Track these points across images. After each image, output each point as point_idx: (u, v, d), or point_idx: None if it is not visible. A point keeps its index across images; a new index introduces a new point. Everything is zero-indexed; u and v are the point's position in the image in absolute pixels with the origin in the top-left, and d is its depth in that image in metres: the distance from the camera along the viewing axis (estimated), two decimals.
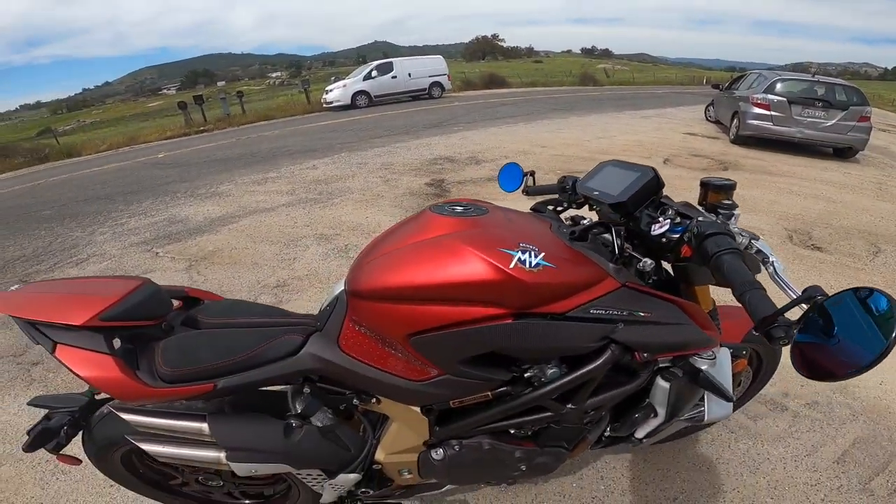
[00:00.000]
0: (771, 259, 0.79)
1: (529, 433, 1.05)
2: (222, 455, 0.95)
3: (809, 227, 3.66)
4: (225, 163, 7.34)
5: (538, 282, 0.79)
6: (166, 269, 3.39)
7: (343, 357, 0.90)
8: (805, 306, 0.63)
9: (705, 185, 0.97)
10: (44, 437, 0.97)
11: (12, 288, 0.95)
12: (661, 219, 0.87)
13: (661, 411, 1.03)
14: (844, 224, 3.76)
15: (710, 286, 0.96)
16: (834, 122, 6.15)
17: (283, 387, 1.01)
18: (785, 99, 6.33)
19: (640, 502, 1.45)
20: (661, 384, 1.00)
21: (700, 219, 0.82)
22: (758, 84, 6.88)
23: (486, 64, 58.69)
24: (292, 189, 4.98)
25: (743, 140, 6.78)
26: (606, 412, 1.09)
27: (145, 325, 0.93)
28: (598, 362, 0.87)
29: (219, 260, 3.41)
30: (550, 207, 1.18)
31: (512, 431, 1.03)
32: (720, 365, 1.04)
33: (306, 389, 0.95)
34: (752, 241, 0.82)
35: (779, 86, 6.53)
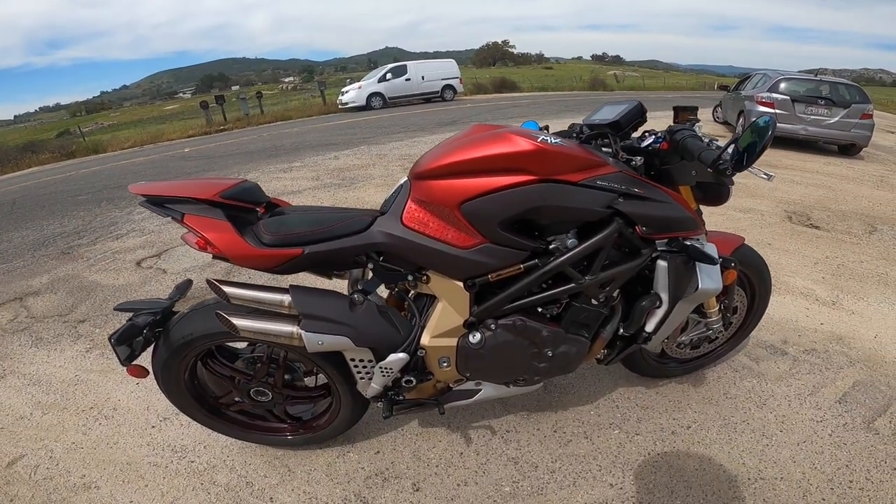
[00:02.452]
0: (727, 144, 1.05)
1: (556, 313, 1.26)
2: (296, 329, 1.12)
3: (808, 210, 3.84)
4: (250, 155, 7.67)
5: (557, 151, 1.05)
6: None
7: (405, 230, 1.11)
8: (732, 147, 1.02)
9: (675, 108, 1.26)
10: (130, 333, 1.15)
11: (140, 182, 1.19)
12: (647, 135, 1.21)
13: (664, 296, 1.24)
14: (843, 208, 3.93)
15: (690, 188, 1.22)
16: (837, 119, 6.30)
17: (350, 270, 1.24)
18: (788, 97, 6.49)
19: (655, 429, 1.58)
20: (661, 264, 1.22)
21: (672, 124, 1.15)
22: (762, 84, 7.07)
23: (495, 70, 59.18)
24: (316, 175, 5.26)
25: None
26: (619, 305, 1.29)
27: (250, 207, 1.17)
28: (607, 231, 1.12)
29: None
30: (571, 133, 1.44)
31: (540, 310, 1.24)
32: (708, 249, 1.25)
33: (370, 266, 1.16)
34: (711, 141, 1.11)
35: (782, 85, 6.70)
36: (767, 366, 1.89)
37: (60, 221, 5.03)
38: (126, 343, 1.15)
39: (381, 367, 1.19)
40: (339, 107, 15.09)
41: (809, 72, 8.26)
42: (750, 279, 1.60)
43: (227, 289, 1.14)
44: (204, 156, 8.58)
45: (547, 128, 1.49)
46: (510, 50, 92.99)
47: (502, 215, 1.07)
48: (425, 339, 1.21)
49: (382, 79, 15.06)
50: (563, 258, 1.13)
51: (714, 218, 3.49)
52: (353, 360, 1.20)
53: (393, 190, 1.24)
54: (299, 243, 1.09)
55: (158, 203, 1.13)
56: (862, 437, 1.54)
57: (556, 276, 1.16)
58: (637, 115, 1.22)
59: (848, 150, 6.61)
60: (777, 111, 6.49)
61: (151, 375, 1.28)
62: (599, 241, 1.12)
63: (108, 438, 1.69)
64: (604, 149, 1.19)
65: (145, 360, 1.25)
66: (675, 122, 1.23)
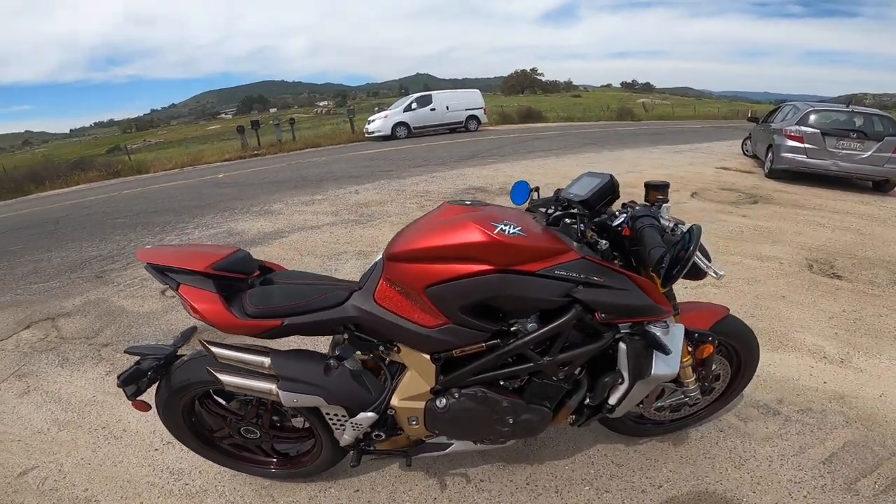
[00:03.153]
0: (689, 227, 1.08)
1: (517, 386, 1.31)
2: (274, 386, 1.25)
3: (832, 257, 3.70)
4: (277, 185, 8.02)
5: (513, 243, 1.11)
6: None
7: (377, 308, 1.21)
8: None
9: (647, 186, 1.31)
10: (135, 376, 1.30)
11: (147, 246, 1.37)
12: (618, 213, 1.24)
13: (626, 375, 1.28)
14: (869, 255, 3.76)
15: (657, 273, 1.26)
16: (870, 153, 6.01)
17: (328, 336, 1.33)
18: (818, 131, 6.25)
19: (626, 487, 1.59)
20: (621, 346, 1.26)
21: (637, 207, 1.19)
22: (792, 116, 6.82)
23: (524, 98, 59.93)
24: (336, 210, 5.46)
25: (778, 174, 6.70)
26: (584, 378, 1.34)
27: (240, 278, 1.30)
28: (565, 318, 1.16)
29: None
30: (542, 209, 1.44)
31: (502, 383, 1.30)
32: (672, 335, 1.27)
33: (345, 335, 1.27)
34: (677, 226, 1.15)
35: (812, 117, 6.45)
36: (756, 426, 1.85)
37: (97, 245, 5.37)
38: (132, 384, 1.30)
39: (352, 423, 1.30)
40: (366, 135, 15.55)
41: (844, 99, 7.95)
42: (735, 349, 1.60)
43: (214, 349, 1.28)
44: (236, 183, 9.03)
45: (537, 189, 1.55)
46: (539, 77, 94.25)
47: (463, 301, 1.15)
48: (395, 401, 1.31)
49: (408, 108, 15.45)
50: (521, 341, 1.18)
51: (728, 266, 3.42)
52: (327, 413, 1.32)
53: (370, 266, 1.34)
54: (279, 315, 1.22)
55: (160, 271, 1.29)
56: (839, 498, 1.51)
57: (518, 354, 1.23)
58: (608, 192, 1.25)
59: (882, 185, 6.28)
60: (806, 145, 6.27)
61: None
62: (558, 326, 1.17)
63: (114, 457, 1.84)
64: (574, 227, 1.24)
65: (149, 394, 1.40)
66: (645, 199, 1.30)
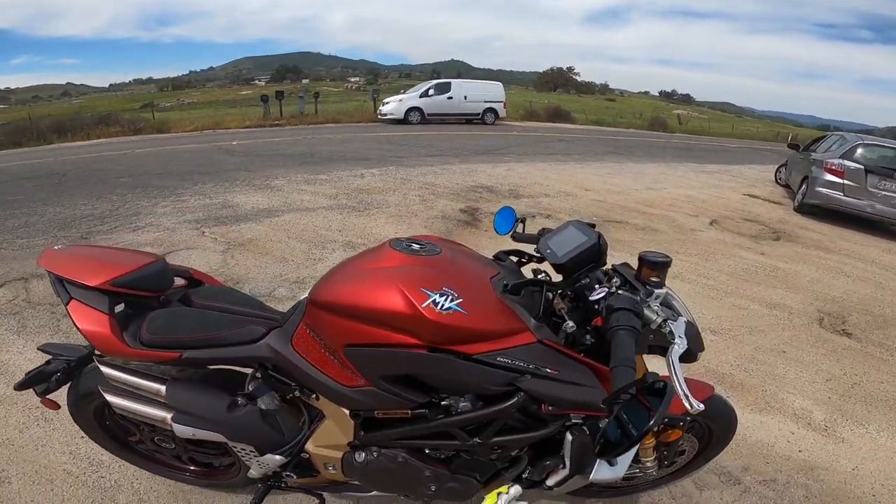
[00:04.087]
0: (676, 342, 0.83)
1: (443, 457, 1.13)
2: (168, 416, 1.10)
3: (846, 311, 3.39)
4: (286, 158, 7.89)
5: (444, 323, 0.89)
6: (207, 248, 3.72)
7: (293, 353, 1.04)
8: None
9: (641, 260, 1.03)
10: (37, 379, 1.16)
11: (56, 247, 1.20)
12: (597, 286, 0.96)
13: (568, 463, 1.08)
14: (886, 313, 3.45)
15: (642, 356, 1.00)
16: None
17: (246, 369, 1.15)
18: (862, 167, 5.77)
19: None
20: (567, 437, 1.05)
21: (617, 292, 0.90)
22: (837, 147, 6.32)
23: (556, 96, 58.74)
24: (336, 194, 5.28)
25: (807, 209, 6.26)
26: (524, 454, 1.14)
27: (147, 296, 1.12)
28: (505, 405, 0.96)
29: (253, 248, 3.69)
30: (513, 258, 1.25)
31: (427, 451, 1.12)
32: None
33: (258, 374, 1.10)
34: (667, 322, 0.87)
35: (859, 151, 5.96)
36: (710, 495, 1.69)
37: (94, 203, 5.30)
38: (40, 383, 1.17)
39: (258, 461, 1.17)
40: (379, 117, 15.30)
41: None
42: (710, 428, 1.38)
43: (104, 369, 1.12)
44: (247, 152, 8.92)
45: (523, 220, 1.37)
46: (574, 77, 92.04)
47: (385, 371, 0.97)
48: (310, 446, 1.16)
49: (424, 94, 15.13)
50: (450, 420, 1.00)
51: (732, 311, 3.15)
52: (234, 447, 1.18)
53: (295, 303, 1.17)
54: (179, 346, 1.05)
55: (59, 279, 1.11)
56: None
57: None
58: (589, 259, 0.97)
59: None
60: (845, 182, 5.82)
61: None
62: (495, 412, 0.97)
63: (39, 440, 1.78)
64: (538, 299, 1.02)
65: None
66: (636, 276, 1.03)
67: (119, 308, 1.07)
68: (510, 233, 1.37)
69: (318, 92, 18.35)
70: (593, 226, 1.07)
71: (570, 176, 7.24)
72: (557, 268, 0.99)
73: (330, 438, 1.13)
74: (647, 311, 0.87)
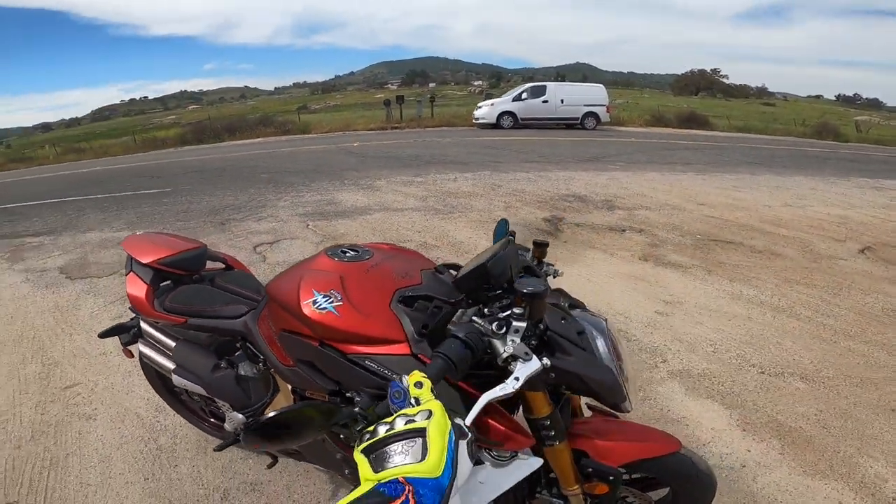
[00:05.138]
0: (506, 382, 0.76)
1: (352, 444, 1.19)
2: (172, 367, 1.40)
3: None
4: (392, 161, 8.52)
5: (317, 320, 0.98)
6: (306, 239, 4.27)
7: (256, 331, 1.25)
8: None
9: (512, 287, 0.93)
10: (117, 331, 1.54)
11: (138, 232, 1.57)
12: (487, 310, 0.88)
13: None
14: None
15: (544, 392, 0.91)
16: None
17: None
18: None
19: None
20: None
21: (477, 322, 0.82)
22: None
23: (697, 100, 52.43)
24: (426, 196, 5.58)
25: None
26: None
27: (182, 274, 1.45)
28: (378, 406, 0.96)
29: (341, 241, 4.12)
30: (453, 272, 1.20)
31: (341, 436, 1.18)
32: (508, 471, 0.96)
33: (238, 345, 1.33)
34: (516, 360, 0.79)
35: None
36: None
37: (237, 195, 6.41)
38: (117, 334, 1.55)
39: (229, 417, 1.39)
40: (473, 122, 15.30)
41: None
42: (674, 489, 1.16)
43: (143, 325, 1.49)
44: (362, 154, 9.85)
45: (514, 234, 1.29)
46: (721, 79, 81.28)
47: (299, 356, 1.10)
48: (268, 412, 1.31)
49: (518, 98, 14.77)
50: (346, 412, 1.04)
51: (843, 358, 2.55)
52: (216, 401, 1.42)
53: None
54: (185, 314, 1.34)
55: (129, 257, 1.48)
56: None
57: None
58: (478, 280, 0.86)
59: None
60: None
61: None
62: (367, 413, 0.99)
63: (132, 387, 2.02)
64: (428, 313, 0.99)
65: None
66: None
67: (159, 280, 1.41)
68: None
69: (434, 96, 19.30)
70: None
71: (683, 188, 6.53)
72: (455, 285, 0.98)
73: (281, 405, 1.31)
74: (496, 343, 0.80)
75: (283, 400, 1.31)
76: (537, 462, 0.98)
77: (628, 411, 0.94)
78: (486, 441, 0.92)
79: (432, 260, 1.24)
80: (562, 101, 14.59)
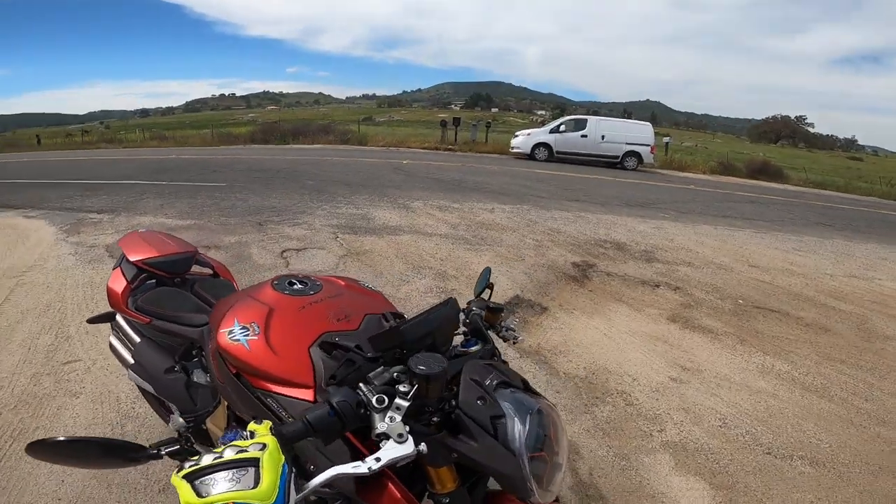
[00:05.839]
0: (362, 461, 0.67)
1: None
2: (131, 361, 1.43)
3: None
4: (435, 183, 8.60)
5: (226, 349, 0.96)
6: (331, 251, 4.34)
7: (207, 344, 1.21)
8: None
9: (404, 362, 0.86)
10: (106, 318, 1.60)
11: (140, 230, 1.63)
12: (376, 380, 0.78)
13: None
14: None
15: (450, 468, 0.80)
16: None
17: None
18: None
19: None
20: None
21: (361, 390, 0.75)
22: None
23: (776, 148, 49.27)
24: (458, 223, 5.54)
25: None
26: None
27: (164, 276, 1.47)
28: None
29: (364, 259, 4.16)
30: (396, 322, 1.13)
31: None
32: None
33: (195, 353, 1.33)
34: (386, 439, 0.69)
35: None
36: None
37: (281, 199, 6.69)
38: (105, 322, 1.63)
39: (172, 418, 1.39)
40: (511, 151, 15.12)
41: None
42: None
43: (118, 318, 1.53)
44: (409, 172, 10.03)
45: (491, 287, 1.22)
46: (805, 127, 76.22)
47: (222, 377, 1.06)
48: (209, 422, 1.31)
49: (555, 130, 14.41)
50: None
51: (869, 444, 2.20)
52: (164, 401, 1.43)
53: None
54: (151, 314, 1.36)
55: (122, 253, 1.53)
56: None
57: None
58: (386, 344, 0.80)
59: None
60: None
61: None
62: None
63: (122, 370, 2.25)
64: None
65: None
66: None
67: (139, 278, 1.44)
68: (478, 295, 1.22)
69: (489, 122, 19.39)
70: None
71: (736, 246, 6.05)
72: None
73: (218, 421, 1.27)
74: (375, 417, 0.71)
75: (221, 412, 1.27)
76: None
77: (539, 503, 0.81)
78: None
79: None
80: (602, 138, 13.97)
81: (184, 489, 0.52)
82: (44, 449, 0.61)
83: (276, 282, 1.11)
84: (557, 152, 14.12)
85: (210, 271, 1.62)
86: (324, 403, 0.71)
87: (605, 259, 4.75)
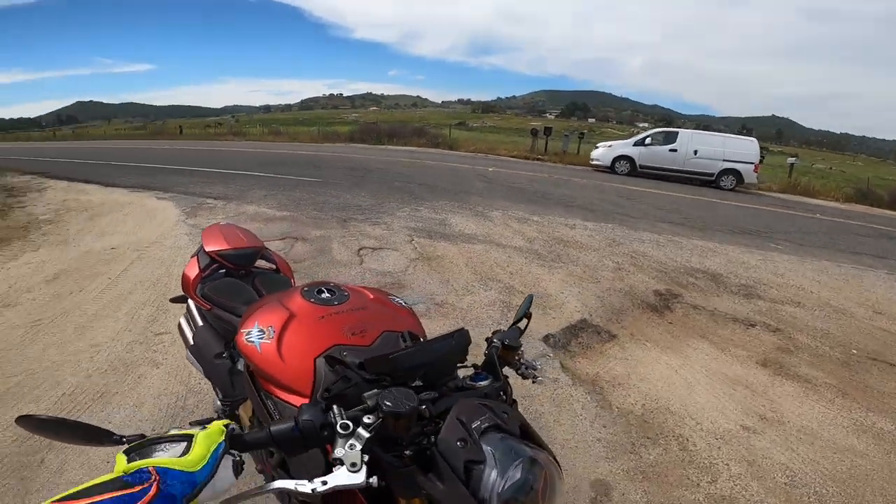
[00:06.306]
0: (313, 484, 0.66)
1: None
2: (191, 343, 1.55)
3: None
4: (518, 193, 8.48)
5: (243, 350, 1.01)
6: (404, 253, 4.49)
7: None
8: None
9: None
10: (184, 299, 1.76)
11: (222, 222, 1.79)
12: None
13: None
14: None
15: (421, 500, 0.76)
16: None
17: None
18: None
19: None
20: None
21: (333, 412, 0.74)
22: None
23: None
24: (535, 238, 5.40)
25: None
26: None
27: (232, 267, 1.60)
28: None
29: (434, 265, 4.23)
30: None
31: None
32: None
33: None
34: (340, 464, 0.68)
35: None
36: None
37: (368, 198, 7.08)
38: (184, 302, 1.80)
39: (214, 399, 1.53)
40: (591, 163, 14.21)
41: None
42: None
43: (189, 301, 1.67)
44: (493, 180, 10.02)
45: (529, 317, 1.11)
46: None
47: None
48: (240, 409, 1.41)
49: (640, 143, 13.15)
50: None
51: None
52: (209, 381, 1.56)
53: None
54: (212, 302, 1.48)
55: (201, 244, 1.68)
56: None
57: None
58: (384, 368, 0.79)
59: None
60: None
61: None
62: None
63: None
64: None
65: None
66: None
67: (211, 267, 1.58)
68: (515, 323, 1.12)
69: (583, 133, 18.61)
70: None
71: (861, 288, 5.12)
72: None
73: (247, 410, 1.35)
74: (337, 440, 0.71)
75: (250, 403, 1.33)
76: None
77: None
78: None
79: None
80: (694, 153, 12.41)
81: (119, 460, 0.56)
82: (30, 422, 0.66)
83: (306, 288, 1.13)
84: (641, 167, 13.01)
85: (273, 267, 1.73)
86: (291, 419, 0.71)
87: (694, 290, 4.30)
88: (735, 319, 3.70)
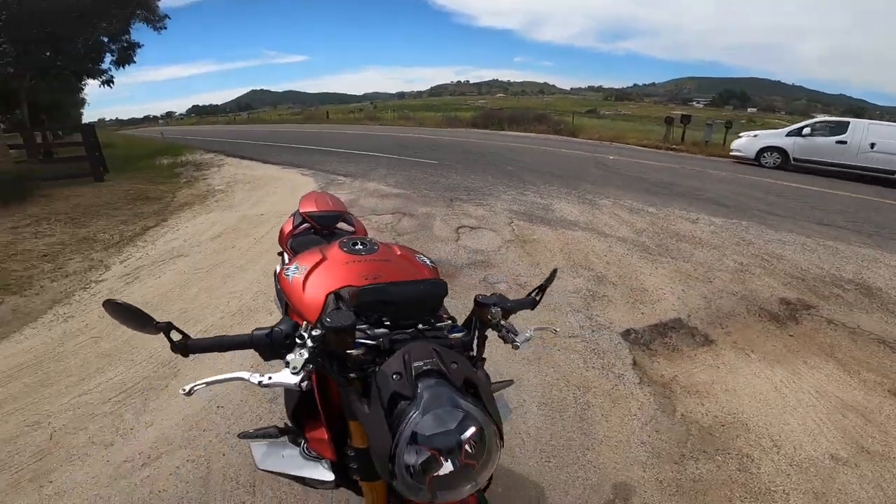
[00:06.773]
0: None
1: None
2: (278, 287, 1.82)
3: None
4: (638, 182, 7.88)
5: (280, 280, 1.22)
6: (501, 234, 4.62)
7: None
8: None
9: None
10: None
11: (318, 190, 2.13)
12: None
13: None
14: None
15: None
16: None
17: None
18: None
19: None
20: None
21: (300, 327, 0.87)
22: None
23: None
24: (644, 229, 5.04)
25: None
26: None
27: (318, 228, 1.84)
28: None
29: (527, 248, 4.28)
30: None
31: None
32: (302, 463, 1.07)
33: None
34: (287, 366, 0.81)
35: None
36: None
37: (476, 180, 7.31)
38: None
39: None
40: (730, 153, 12.13)
41: None
42: None
43: (283, 254, 1.96)
44: (613, 168, 9.43)
45: (543, 288, 1.11)
46: None
47: None
48: None
49: (796, 132, 10.68)
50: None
51: None
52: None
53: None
54: (295, 253, 1.66)
55: (298, 207, 1.97)
56: None
57: None
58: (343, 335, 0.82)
59: None
60: None
61: None
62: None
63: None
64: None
65: None
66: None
67: (302, 226, 1.84)
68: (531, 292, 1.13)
69: (730, 121, 16.10)
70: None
71: None
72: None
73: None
74: (295, 349, 0.85)
75: None
76: (326, 476, 1.04)
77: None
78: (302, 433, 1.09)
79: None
80: (871, 146, 9.87)
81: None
82: (112, 307, 0.78)
83: (345, 240, 1.25)
84: (795, 160, 10.85)
85: (352, 229, 1.93)
86: (269, 327, 0.85)
87: (836, 303, 3.62)
88: (882, 342, 3.05)
